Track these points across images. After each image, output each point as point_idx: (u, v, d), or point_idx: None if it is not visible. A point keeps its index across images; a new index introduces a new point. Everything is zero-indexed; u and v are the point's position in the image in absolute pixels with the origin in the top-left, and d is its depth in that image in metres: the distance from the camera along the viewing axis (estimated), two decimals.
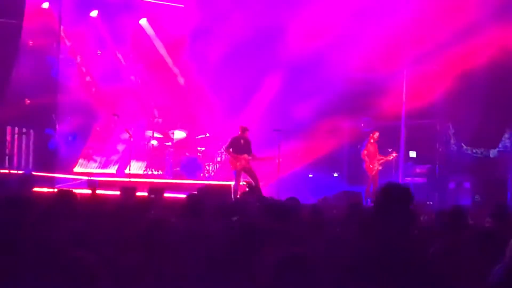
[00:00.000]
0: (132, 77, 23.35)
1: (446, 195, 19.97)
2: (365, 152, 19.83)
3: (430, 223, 9.03)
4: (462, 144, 20.35)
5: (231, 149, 18.50)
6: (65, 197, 7.90)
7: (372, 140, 19.83)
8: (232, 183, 18.26)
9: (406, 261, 5.01)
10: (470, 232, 6.89)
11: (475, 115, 19.73)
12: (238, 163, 18.27)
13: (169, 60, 23.53)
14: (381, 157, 19.77)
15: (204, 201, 8.32)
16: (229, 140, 18.70)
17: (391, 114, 20.73)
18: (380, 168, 19.82)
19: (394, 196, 5.23)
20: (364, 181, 20.03)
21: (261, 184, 18.19)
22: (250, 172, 18.35)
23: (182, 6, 23.05)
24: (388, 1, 20.41)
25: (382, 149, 20.07)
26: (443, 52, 19.36)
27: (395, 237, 5.09)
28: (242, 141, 18.53)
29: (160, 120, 22.66)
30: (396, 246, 5.02)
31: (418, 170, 21.02)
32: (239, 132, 18.71)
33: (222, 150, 21.16)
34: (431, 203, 19.14)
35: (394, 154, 20.01)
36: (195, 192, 10.09)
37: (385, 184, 5.36)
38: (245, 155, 18.35)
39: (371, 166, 19.72)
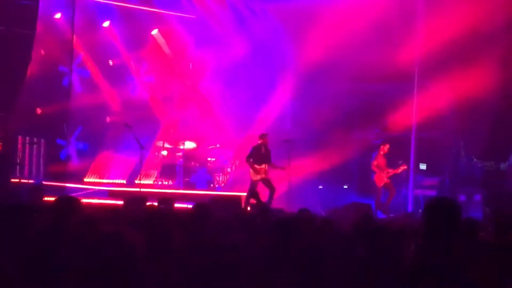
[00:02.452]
0: (144, 88, 23.42)
1: None
2: (376, 163, 19.78)
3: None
4: (472, 156, 20.30)
5: (251, 160, 18.32)
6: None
7: (382, 152, 19.80)
8: (243, 194, 18.24)
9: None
10: (481, 244, 6.88)
11: (485, 128, 19.72)
12: (258, 175, 18.21)
13: (180, 71, 23.60)
14: (390, 170, 19.72)
15: (211, 211, 8.31)
16: (250, 149, 18.49)
17: (402, 126, 20.73)
18: (388, 181, 19.75)
19: (443, 212, 5.17)
20: (374, 193, 19.99)
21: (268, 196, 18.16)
22: (267, 183, 18.22)
23: (194, 17, 23.13)
24: (400, 14, 20.40)
25: (392, 161, 20.03)
26: (454, 65, 19.36)
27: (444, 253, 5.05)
28: (263, 149, 18.37)
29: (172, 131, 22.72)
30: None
31: (428, 183, 20.98)
32: (259, 140, 18.57)
33: (235, 162, 21.26)
34: None
35: (404, 167, 19.96)
36: (201, 202, 10.05)
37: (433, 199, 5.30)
38: (265, 166, 18.28)
39: (380, 178, 19.68)
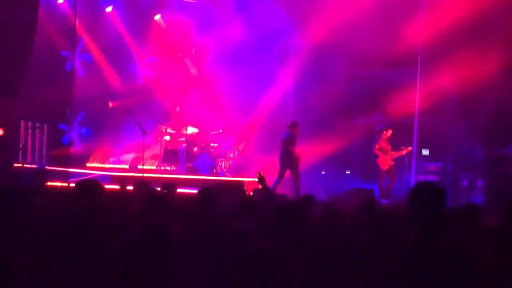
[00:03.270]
0: (146, 73, 23.43)
1: (458, 193, 19.93)
2: (378, 146, 19.80)
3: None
4: (475, 142, 20.29)
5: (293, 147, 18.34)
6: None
7: (384, 137, 19.81)
8: (246, 179, 18.32)
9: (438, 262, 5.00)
10: (483, 230, 6.89)
11: (488, 113, 19.69)
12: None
13: (182, 56, 23.59)
14: (394, 153, 19.74)
15: (217, 196, 8.32)
16: (289, 139, 18.38)
17: (404, 111, 20.73)
18: (392, 163, 19.79)
19: (426, 196, 5.18)
20: (376, 178, 20.01)
21: (275, 181, 18.20)
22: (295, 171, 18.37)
23: (195, 1, 23.09)
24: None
25: (395, 147, 20.04)
26: (457, 50, 19.32)
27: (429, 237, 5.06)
28: (295, 138, 18.50)
29: (178, 108, 22.69)
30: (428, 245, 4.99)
31: (430, 168, 20.99)
32: (289, 130, 18.55)
33: (238, 148, 21.37)
34: None
35: (409, 148, 20.01)
36: (206, 187, 10.06)
37: (416, 184, 5.31)
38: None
39: (384, 161, 19.70)
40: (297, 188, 18.08)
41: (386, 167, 19.69)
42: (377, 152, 19.76)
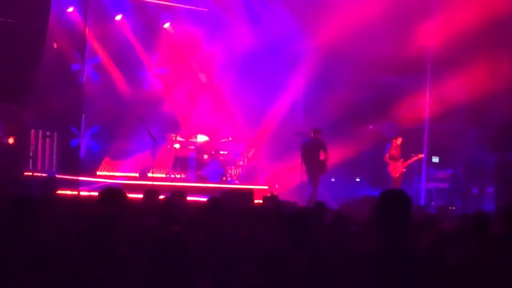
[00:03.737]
0: (157, 81, 23.45)
1: (469, 200, 19.87)
2: (388, 155, 19.82)
3: (453, 228, 9.00)
4: (485, 149, 20.23)
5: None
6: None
7: (395, 145, 19.81)
8: (255, 187, 18.38)
9: (423, 266, 5.01)
10: (493, 237, 6.87)
11: (498, 120, 19.64)
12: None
13: (193, 64, 23.61)
14: (404, 160, 19.75)
15: (226, 205, 8.32)
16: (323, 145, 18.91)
17: (414, 118, 20.70)
18: (404, 170, 19.80)
19: (392, 203, 5.21)
20: (386, 186, 19.96)
21: (285, 188, 18.26)
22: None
23: (206, 10, 23.13)
24: (414, 4, 20.32)
25: (405, 154, 20.02)
26: (467, 56, 19.29)
27: (396, 244, 5.08)
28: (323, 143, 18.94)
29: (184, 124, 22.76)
30: (399, 252, 5.01)
31: (440, 175, 20.94)
32: (313, 135, 19.00)
33: (248, 155, 21.40)
34: (454, 208, 19.07)
35: (420, 155, 20.02)
36: (216, 196, 10.05)
37: (382, 192, 5.35)
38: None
39: (395, 168, 19.71)
40: (314, 195, 18.42)
41: (397, 174, 19.69)
42: (388, 160, 19.79)
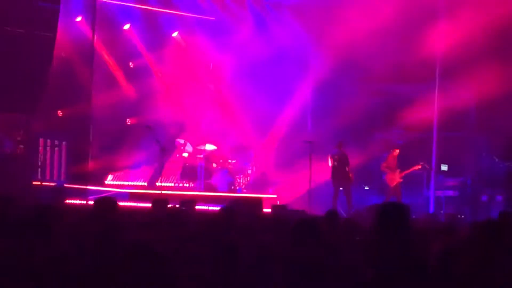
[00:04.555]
0: (165, 89, 23.47)
1: (478, 208, 19.81)
2: (385, 164, 20.04)
3: (464, 236, 8.96)
4: (494, 156, 20.18)
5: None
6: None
7: (392, 156, 20.05)
8: (264, 196, 18.43)
9: (431, 275, 5.00)
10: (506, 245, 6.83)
11: (507, 127, 19.59)
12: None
13: (201, 72, 23.65)
14: (402, 171, 19.92)
15: (237, 214, 8.33)
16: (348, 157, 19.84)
17: (423, 126, 20.66)
18: (400, 180, 19.92)
19: (391, 215, 5.24)
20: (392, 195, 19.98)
21: (294, 196, 18.34)
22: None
23: (213, 18, 23.17)
24: (421, 12, 20.29)
25: (413, 162, 20.03)
26: (476, 63, 19.24)
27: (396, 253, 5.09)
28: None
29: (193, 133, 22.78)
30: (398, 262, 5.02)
31: (449, 183, 20.88)
32: (337, 149, 19.84)
33: (256, 164, 21.43)
34: (463, 216, 19.01)
35: (418, 166, 20.08)
36: (228, 206, 10.09)
37: (381, 204, 5.37)
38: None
39: (392, 178, 19.86)
40: (350, 203, 19.41)
41: (394, 184, 19.82)
42: (384, 170, 20.01)
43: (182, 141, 21.86)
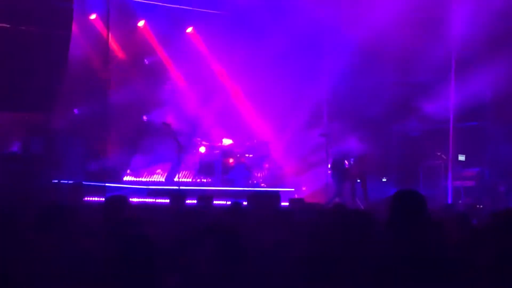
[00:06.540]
0: (180, 85, 23.51)
1: (496, 198, 19.75)
2: None
3: (483, 226, 8.93)
4: None
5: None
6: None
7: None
8: (281, 189, 18.44)
9: (451, 265, 4.99)
10: None
11: None
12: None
13: (216, 68, 23.66)
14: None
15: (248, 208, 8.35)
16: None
17: (439, 117, 20.59)
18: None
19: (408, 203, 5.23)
20: (414, 185, 19.91)
21: (310, 189, 18.32)
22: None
23: (228, 13, 23.14)
24: (436, 2, 20.21)
25: (432, 153, 19.99)
26: (493, 53, 19.17)
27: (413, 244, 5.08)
28: None
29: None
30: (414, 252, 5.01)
31: (467, 174, 20.82)
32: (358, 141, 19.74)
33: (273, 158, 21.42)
34: (481, 206, 18.95)
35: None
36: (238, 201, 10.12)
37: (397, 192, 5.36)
38: None
39: None
40: (366, 195, 19.35)
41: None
42: None
43: (199, 139, 21.87)
